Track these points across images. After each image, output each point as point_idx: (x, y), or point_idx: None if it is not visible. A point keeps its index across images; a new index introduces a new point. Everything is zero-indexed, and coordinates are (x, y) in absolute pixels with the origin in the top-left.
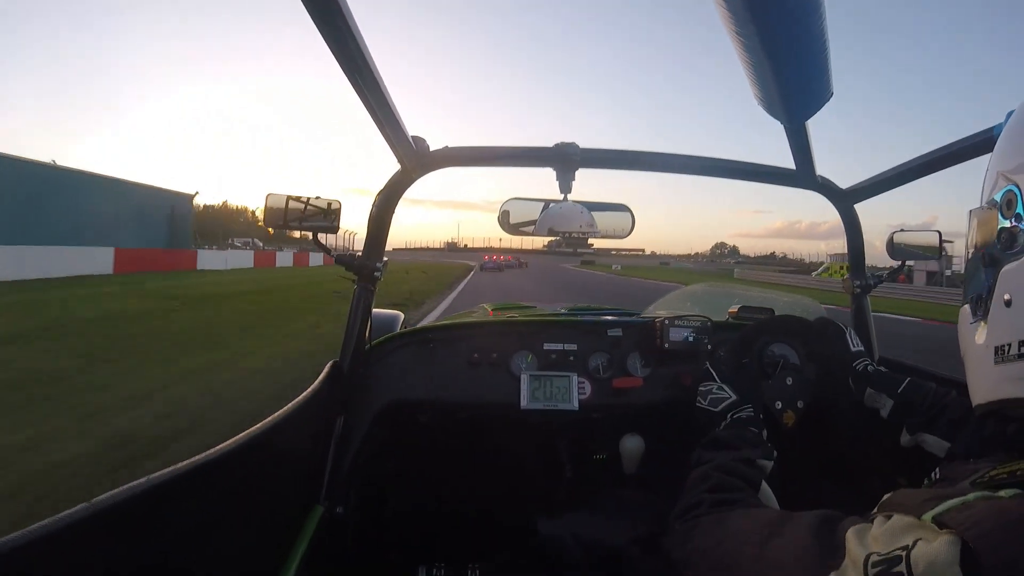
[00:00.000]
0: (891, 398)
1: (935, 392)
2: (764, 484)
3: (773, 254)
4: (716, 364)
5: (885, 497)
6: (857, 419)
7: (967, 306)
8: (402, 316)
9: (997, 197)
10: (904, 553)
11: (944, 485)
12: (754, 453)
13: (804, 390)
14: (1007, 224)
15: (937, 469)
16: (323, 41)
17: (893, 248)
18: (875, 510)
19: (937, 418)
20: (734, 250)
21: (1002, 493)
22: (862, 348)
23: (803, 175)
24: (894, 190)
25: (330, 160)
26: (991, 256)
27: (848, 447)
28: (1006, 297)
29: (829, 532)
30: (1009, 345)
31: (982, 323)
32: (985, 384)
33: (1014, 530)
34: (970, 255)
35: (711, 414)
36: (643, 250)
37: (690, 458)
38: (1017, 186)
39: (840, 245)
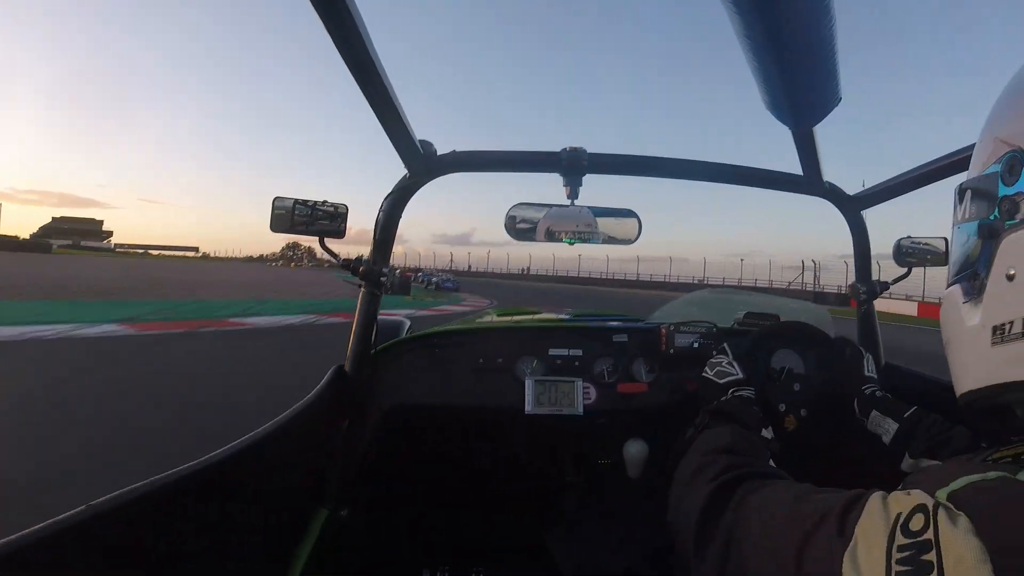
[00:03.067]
0: (896, 421)
1: (940, 422)
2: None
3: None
4: (733, 345)
5: (908, 476)
6: (857, 442)
7: (954, 287)
8: (408, 322)
9: (998, 165)
10: (932, 537)
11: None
12: (757, 427)
13: (809, 399)
14: (1010, 192)
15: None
16: (332, 44)
17: (900, 255)
18: (900, 488)
19: (942, 446)
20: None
21: (1021, 476)
22: (875, 376)
23: (810, 181)
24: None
25: (332, 171)
26: (990, 228)
27: (844, 468)
28: (1010, 272)
29: (852, 507)
30: (1011, 323)
31: (975, 302)
32: (978, 368)
33: None
34: (958, 233)
35: (715, 385)
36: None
37: (695, 420)
38: (1021, 150)
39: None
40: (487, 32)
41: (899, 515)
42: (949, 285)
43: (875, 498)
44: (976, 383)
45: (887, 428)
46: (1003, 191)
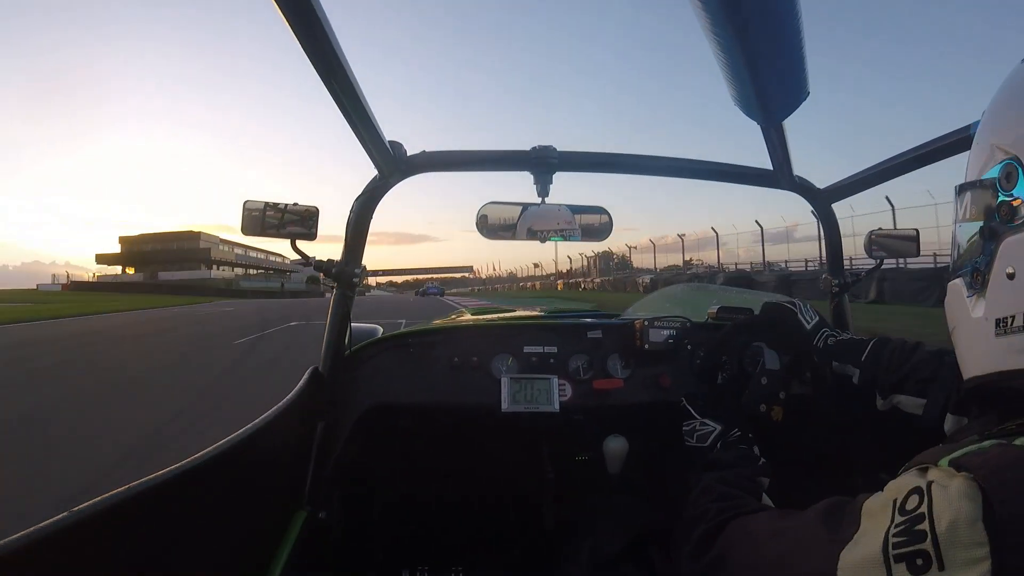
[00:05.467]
0: (856, 367)
1: (900, 349)
2: (764, 495)
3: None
4: (691, 400)
5: (905, 466)
6: (835, 397)
7: (958, 280)
8: (380, 329)
9: (995, 171)
10: (926, 510)
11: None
12: (752, 471)
13: (781, 382)
14: (1007, 198)
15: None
16: (299, 47)
17: (871, 247)
18: (903, 469)
19: (908, 377)
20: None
21: (1018, 442)
22: (818, 320)
23: (780, 175)
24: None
25: (305, 171)
26: (990, 229)
27: (833, 430)
28: (1009, 270)
29: (838, 511)
30: (1013, 317)
31: (979, 296)
32: (984, 356)
33: None
34: (959, 231)
35: (702, 450)
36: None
37: (689, 480)
38: (1017, 159)
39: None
40: (455, 33)
41: (895, 500)
42: (953, 277)
43: (872, 500)
44: (983, 369)
45: (852, 372)
46: (1001, 196)
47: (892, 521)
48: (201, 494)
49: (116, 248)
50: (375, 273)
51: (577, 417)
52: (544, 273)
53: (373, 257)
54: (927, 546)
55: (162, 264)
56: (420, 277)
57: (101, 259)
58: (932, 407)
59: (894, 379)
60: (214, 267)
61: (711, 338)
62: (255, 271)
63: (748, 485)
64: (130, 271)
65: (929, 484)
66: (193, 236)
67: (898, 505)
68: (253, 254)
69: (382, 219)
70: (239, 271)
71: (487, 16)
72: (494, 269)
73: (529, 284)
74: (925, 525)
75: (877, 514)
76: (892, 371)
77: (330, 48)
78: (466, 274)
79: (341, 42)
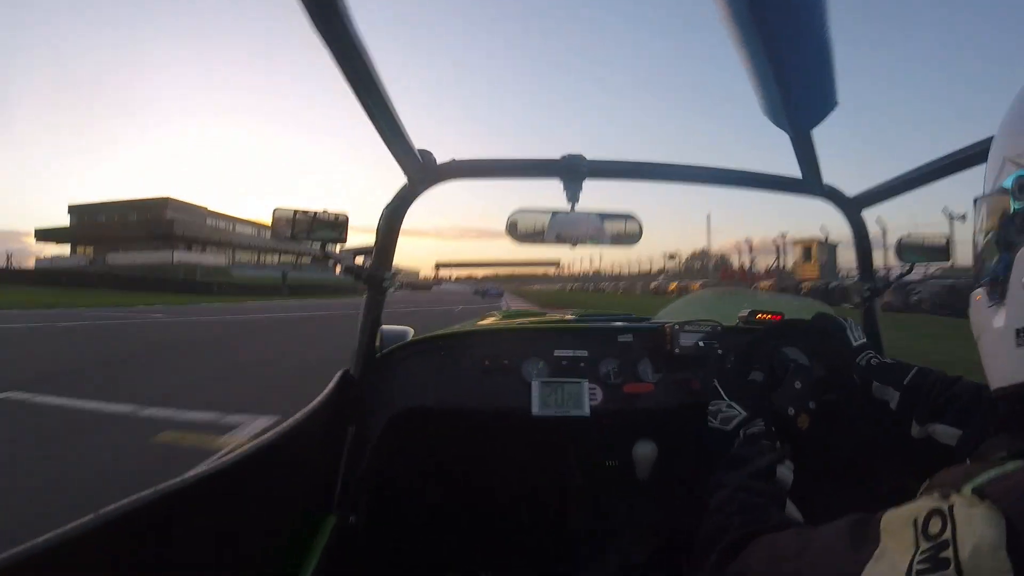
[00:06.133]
0: (896, 390)
1: (942, 380)
2: (789, 502)
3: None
4: (723, 381)
5: (926, 483)
6: (868, 415)
7: (981, 290)
8: (411, 331)
9: (1008, 183)
10: (950, 536)
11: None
12: (770, 460)
13: (814, 390)
14: (1020, 208)
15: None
16: (328, 56)
17: (902, 252)
18: (923, 488)
19: (946, 407)
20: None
21: None
22: (865, 340)
23: (810, 183)
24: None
25: (337, 179)
26: (1006, 240)
27: (862, 444)
28: None
29: (863, 526)
30: None
31: (999, 306)
32: (1006, 367)
33: None
34: (979, 241)
35: (724, 433)
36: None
37: (710, 480)
38: None
39: None
40: (486, 45)
41: (915, 520)
42: (975, 288)
43: (890, 516)
44: (1007, 380)
45: (891, 395)
46: (1015, 207)
47: (918, 548)
48: (229, 497)
49: (65, 221)
50: (448, 265)
51: (606, 421)
52: (646, 271)
53: (455, 251)
54: (951, 573)
55: (116, 242)
56: (500, 271)
57: (42, 236)
58: (968, 439)
59: (934, 405)
60: (197, 248)
61: (742, 342)
62: (265, 255)
63: (771, 489)
64: (86, 251)
65: (951, 507)
66: (159, 204)
67: (920, 528)
68: (242, 228)
69: (465, 216)
70: (243, 255)
71: (518, 28)
72: (589, 263)
73: (652, 285)
74: (949, 552)
75: (897, 533)
76: (933, 397)
77: (359, 57)
78: (548, 270)
79: (372, 53)
